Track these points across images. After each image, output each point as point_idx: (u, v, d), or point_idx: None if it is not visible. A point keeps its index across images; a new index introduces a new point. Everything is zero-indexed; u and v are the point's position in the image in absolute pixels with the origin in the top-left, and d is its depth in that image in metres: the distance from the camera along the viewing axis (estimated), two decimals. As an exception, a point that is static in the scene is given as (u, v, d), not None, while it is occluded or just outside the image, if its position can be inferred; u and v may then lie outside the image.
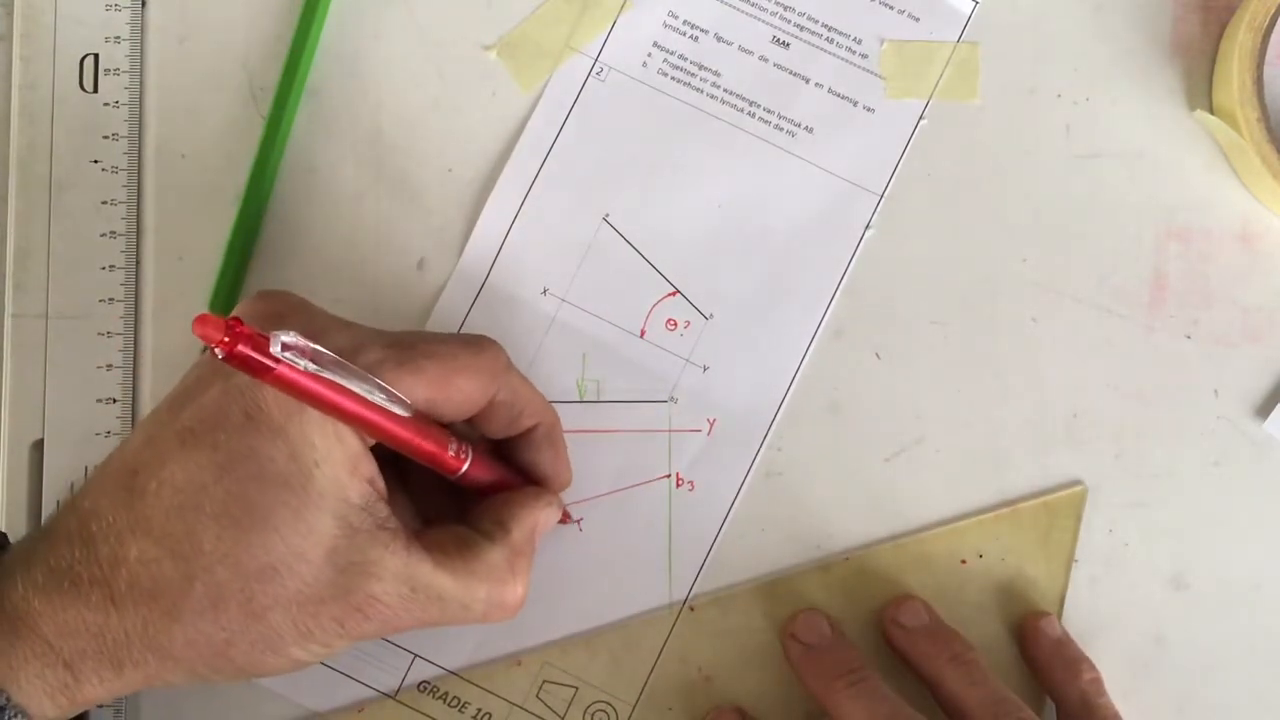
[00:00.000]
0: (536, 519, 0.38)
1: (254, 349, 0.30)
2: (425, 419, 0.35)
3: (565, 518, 0.41)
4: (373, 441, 0.35)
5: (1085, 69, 0.43)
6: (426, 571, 0.34)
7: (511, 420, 0.38)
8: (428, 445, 0.35)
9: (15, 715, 0.31)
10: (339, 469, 0.33)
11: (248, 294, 0.42)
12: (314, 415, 0.33)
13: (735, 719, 0.40)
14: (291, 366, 0.31)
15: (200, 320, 0.29)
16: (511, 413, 0.38)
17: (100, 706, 0.36)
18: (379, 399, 0.33)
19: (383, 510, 0.34)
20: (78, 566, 0.32)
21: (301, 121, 0.42)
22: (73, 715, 0.33)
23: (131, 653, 0.33)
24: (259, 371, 0.30)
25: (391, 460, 0.36)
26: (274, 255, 0.42)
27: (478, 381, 0.36)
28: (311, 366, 0.31)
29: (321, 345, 0.31)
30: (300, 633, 0.33)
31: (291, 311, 0.36)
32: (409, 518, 0.38)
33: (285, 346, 0.30)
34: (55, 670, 0.32)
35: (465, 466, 0.37)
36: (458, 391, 0.36)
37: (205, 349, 0.33)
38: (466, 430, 0.38)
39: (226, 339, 0.29)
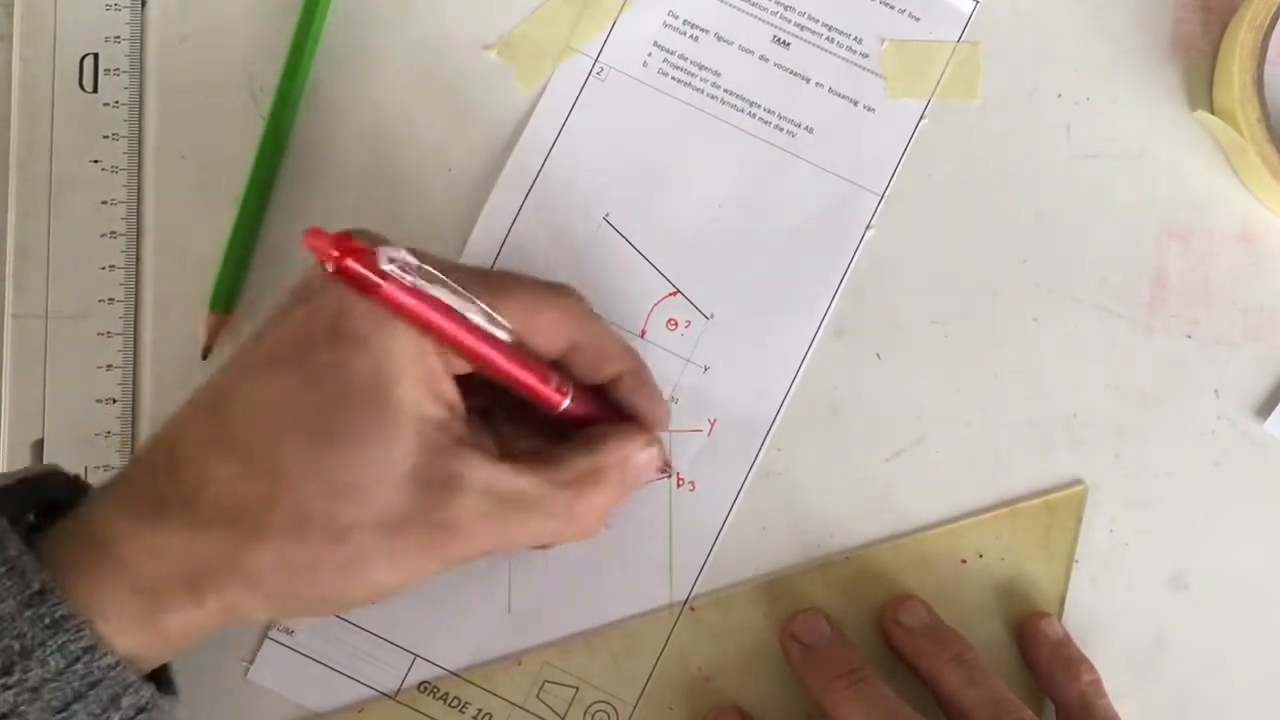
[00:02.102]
0: (630, 448, 0.37)
1: (363, 263, 0.30)
2: (525, 349, 0.35)
3: (665, 467, 0.41)
4: (467, 369, 0.34)
5: (1085, 69, 0.43)
6: (509, 477, 0.34)
7: (596, 366, 0.37)
8: (528, 376, 0.35)
9: (101, 656, 0.31)
10: (418, 387, 0.33)
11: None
12: (399, 330, 0.33)
13: (736, 719, 0.40)
14: (399, 282, 0.30)
15: (312, 233, 0.29)
16: (596, 359, 0.37)
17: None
18: (480, 321, 0.33)
19: (462, 429, 0.34)
20: (163, 489, 0.32)
21: (301, 120, 0.42)
22: (156, 657, 0.33)
23: (215, 577, 0.32)
24: (368, 288, 0.30)
25: (480, 409, 0.36)
26: (274, 255, 0.42)
27: (562, 320, 0.36)
28: (418, 283, 0.31)
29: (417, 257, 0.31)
30: (386, 555, 0.33)
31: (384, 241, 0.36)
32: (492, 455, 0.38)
33: (392, 260, 0.30)
34: (139, 596, 0.32)
35: (567, 402, 0.36)
36: (544, 326, 0.35)
37: (311, 268, 0.33)
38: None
39: (336, 252, 0.29)
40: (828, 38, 0.43)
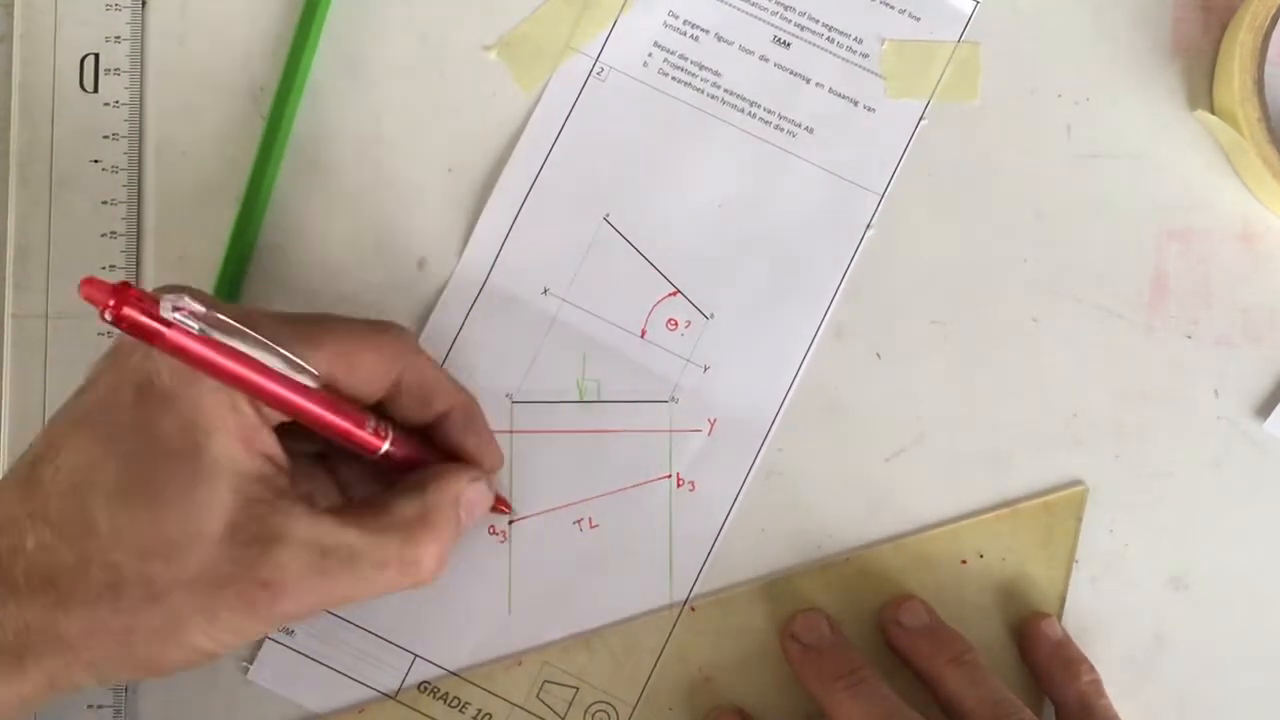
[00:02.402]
0: (458, 488, 0.36)
1: (143, 312, 0.29)
2: (336, 394, 0.34)
3: (501, 506, 0.40)
4: (282, 419, 0.34)
5: (1085, 69, 0.43)
6: (333, 529, 0.33)
7: (422, 404, 0.37)
8: (341, 421, 0.34)
9: None
10: (232, 441, 0.32)
11: (248, 294, 0.42)
12: (207, 385, 0.32)
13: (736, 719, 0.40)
14: (183, 330, 0.30)
15: (87, 282, 0.29)
16: (421, 397, 0.37)
17: None
18: (280, 366, 0.32)
19: (284, 481, 0.33)
20: None
21: (301, 121, 0.42)
22: None
23: (34, 646, 0.31)
24: (150, 336, 0.29)
25: (317, 454, 0.36)
26: (274, 255, 0.42)
27: (381, 360, 0.35)
28: (207, 331, 0.30)
29: (219, 309, 0.31)
30: (205, 616, 0.32)
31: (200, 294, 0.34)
32: (333, 500, 0.38)
33: (176, 309, 0.29)
34: None
35: (386, 445, 0.35)
36: (360, 369, 0.35)
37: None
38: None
39: (113, 301, 0.28)
40: (828, 38, 0.43)
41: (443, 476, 0.36)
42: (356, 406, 0.35)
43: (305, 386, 0.33)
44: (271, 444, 0.33)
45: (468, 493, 0.37)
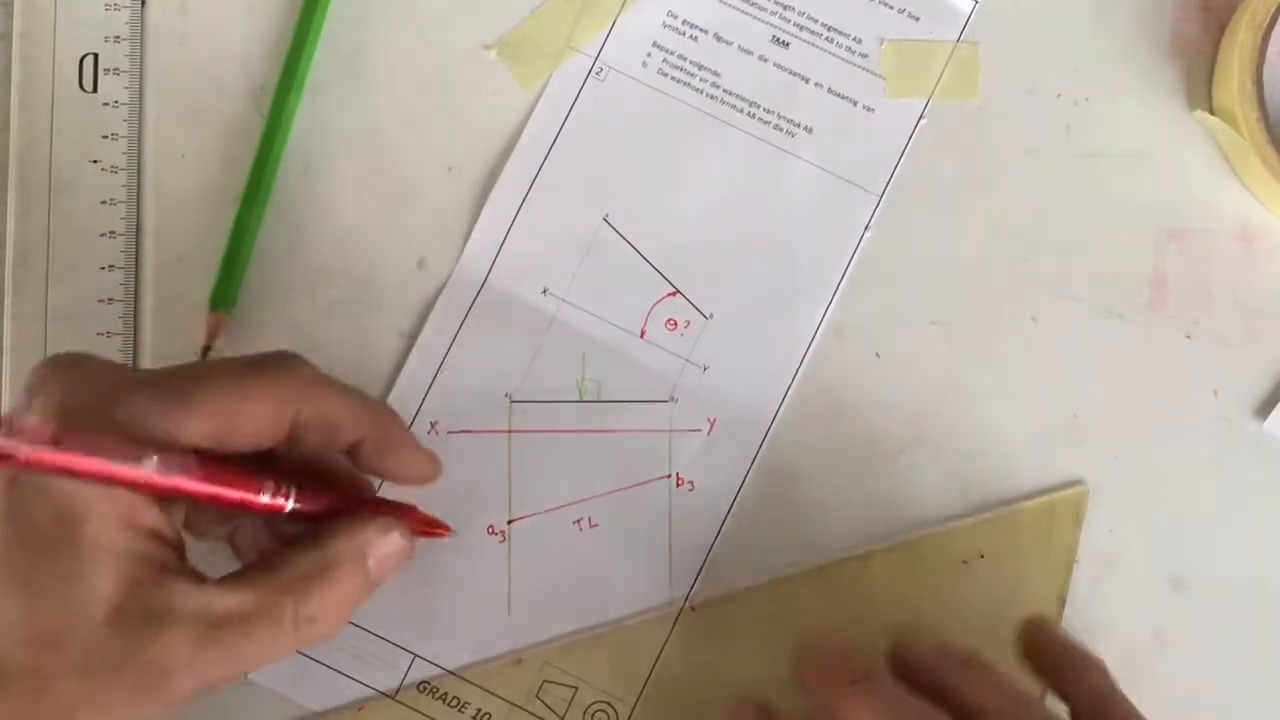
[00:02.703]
0: (360, 540, 0.35)
1: None
2: (221, 465, 0.33)
3: (437, 530, 0.39)
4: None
5: (1085, 69, 0.43)
6: (222, 597, 0.32)
7: (328, 439, 0.35)
8: (229, 493, 0.33)
9: None
10: (109, 521, 0.31)
11: (248, 294, 0.42)
12: None
13: (752, 716, 0.38)
14: (32, 453, 0.29)
15: None
16: (324, 432, 0.35)
17: None
18: (148, 468, 0.31)
19: (170, 556, 0.32)
20: None
21: (301, 121, 0.42)
22: None
23: None
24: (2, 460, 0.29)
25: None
26: (274, 255, 0.42)
27: (269, 406, 0.33)
28: (58, 451, 0.30)
29: (80, 395, 0.31)
30: (95, 704, 0.31)
31: (73, 362, 0.33)
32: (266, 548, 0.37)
33: (17, 431, 0.29)
34: None
35: (290, 504, 0.34)
36: (245, 422, 0.33)
37: None
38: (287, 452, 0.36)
39: None
40: (827, 38, 0.43)
41: (344, 530, 0.35)
42: (247, 469, 0.33)
43: (182, 468, 0.32)
44: (156, 519, 0.32)
45: (375, 545, 0.35)
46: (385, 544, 0.36)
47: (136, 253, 0.42)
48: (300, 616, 0.33)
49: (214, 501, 0.33)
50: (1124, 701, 0.38)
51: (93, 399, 0.32)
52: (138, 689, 0.31)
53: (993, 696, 0.36)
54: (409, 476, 0.38)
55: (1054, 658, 0.39)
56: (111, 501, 0.31)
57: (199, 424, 0.32)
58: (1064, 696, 0.39)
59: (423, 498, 0.39)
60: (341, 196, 0.42)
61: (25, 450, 0.29)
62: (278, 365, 0.34)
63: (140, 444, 0.31)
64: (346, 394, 0.35)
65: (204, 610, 0.32)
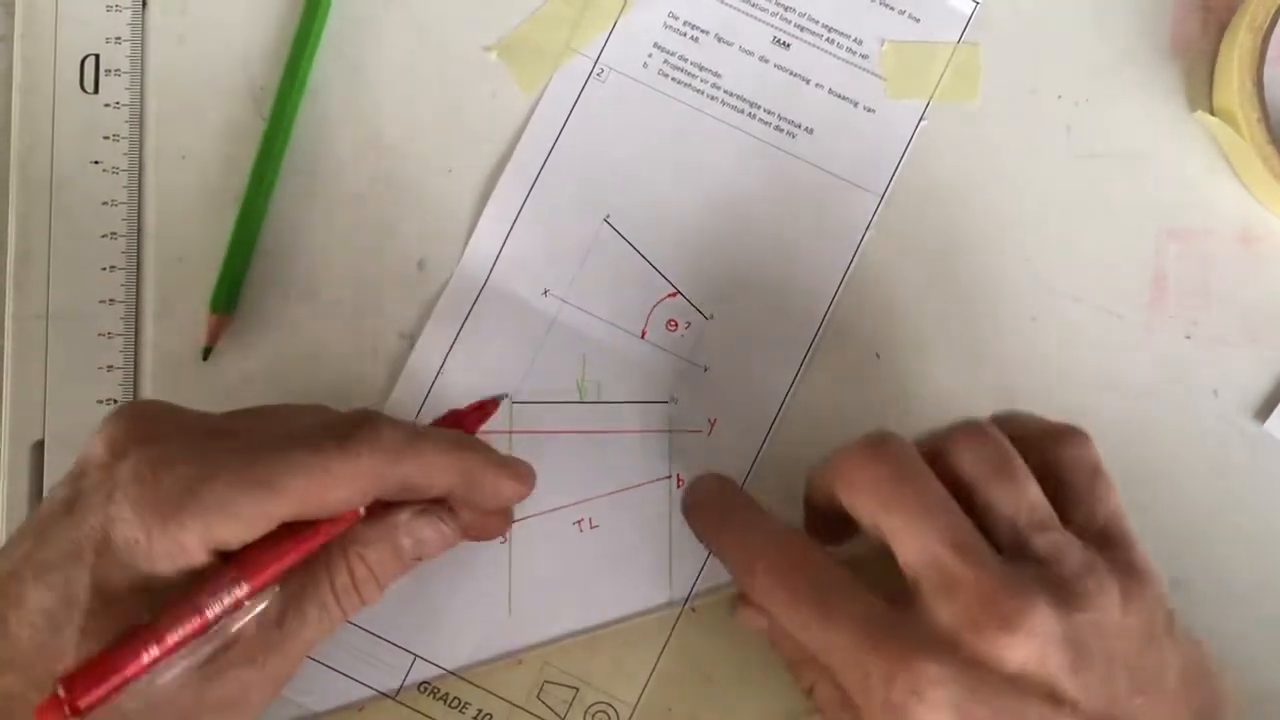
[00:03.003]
0: (395, 519, 0.36)
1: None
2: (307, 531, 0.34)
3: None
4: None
5: (1085, 69, 0.43)
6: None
7: (416, 495, 0.36)
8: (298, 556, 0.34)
9: None
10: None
11: (249, 294, 0.42)
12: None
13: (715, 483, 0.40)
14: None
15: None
16: (410, 494, 0.35)
17: None
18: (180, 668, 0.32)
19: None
20: None
21: (301, 122, 0.42)
22: None
23: None
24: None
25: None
26: (274, 255, 0.42)
27: (354, 486, 0.34)
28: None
29: (163, 477, 0.32)
30: None
31: (153, 427, 0.34)
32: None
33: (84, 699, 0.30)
34: None
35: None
36: (330, 502, 0.34)
37: None
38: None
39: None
40: (828, 39, 0.43)
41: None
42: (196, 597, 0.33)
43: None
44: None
45: (408, 526, 0.36)
46: (421, 526, 0.36)
47: (137, 253, 0.42)
48: (337, 587, 0.35)
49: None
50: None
51: (177, 485, 0.32)
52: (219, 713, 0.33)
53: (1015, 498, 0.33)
54: (499, 504, 0.38)
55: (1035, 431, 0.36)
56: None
57: (283, 508, 0.33)
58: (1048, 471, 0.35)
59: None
60: (342, 197, 0.43)
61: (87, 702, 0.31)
62: (361, 438, 0.34)
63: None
64: (431, 454, 0.35)
65: (266, 615, 0.33)
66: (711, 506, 0.39)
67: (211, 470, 0.32)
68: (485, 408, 0.39)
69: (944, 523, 0.32)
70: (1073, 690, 0.30)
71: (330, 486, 0.33)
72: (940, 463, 0.34)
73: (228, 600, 0.32)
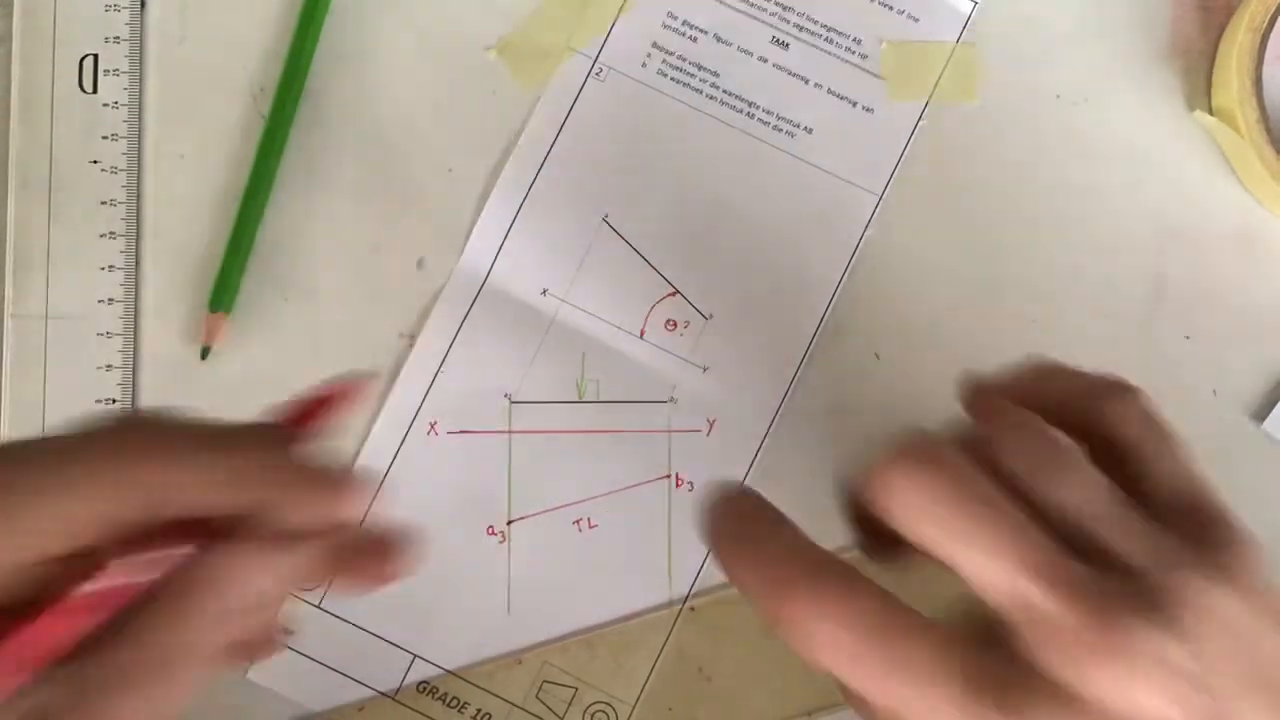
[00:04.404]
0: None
1: None
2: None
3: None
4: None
5: (1084, 69, 0.43)
6: None
7: (188, 512, 0.26)
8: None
9: None
10: None
11: (248, 294, 0.42)
12: None
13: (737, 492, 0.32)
14: None
15: None
16: (183, 512, 0.26)
17: None
18: None
19: None
20: None
21: (301, 121, 0.42)
22: None
23: None
24: None
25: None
26: (274, 255, 0.42)
27: (77, 503, 0.25)
28: None
29: None
30: None
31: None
32: None
33: None
34: None
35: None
36: (44, 530, 0.25)
37: None
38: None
39: None
40: (827, 39, 0.43)
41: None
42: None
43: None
44: None
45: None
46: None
47: (136, 253, 0.42)
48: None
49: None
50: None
51: None
52: None
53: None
54: (310, 523, 0.27)
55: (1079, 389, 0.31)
56: None
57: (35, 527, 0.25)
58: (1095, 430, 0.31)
59: (422, 499, 0.39)
60: (341, 197, 0.42)
61: None
62: (93, 434, 0.26)
63: None
64: (190, 453, 0.26)
65: None
66: (740, 538, 0.32)
67: None
68: (332, 397, 0.30)
69: (1023, 546, 0.27)
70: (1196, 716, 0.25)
71: (43, 503, 0.24)
72: (981, 458, 0.29)
73: None
